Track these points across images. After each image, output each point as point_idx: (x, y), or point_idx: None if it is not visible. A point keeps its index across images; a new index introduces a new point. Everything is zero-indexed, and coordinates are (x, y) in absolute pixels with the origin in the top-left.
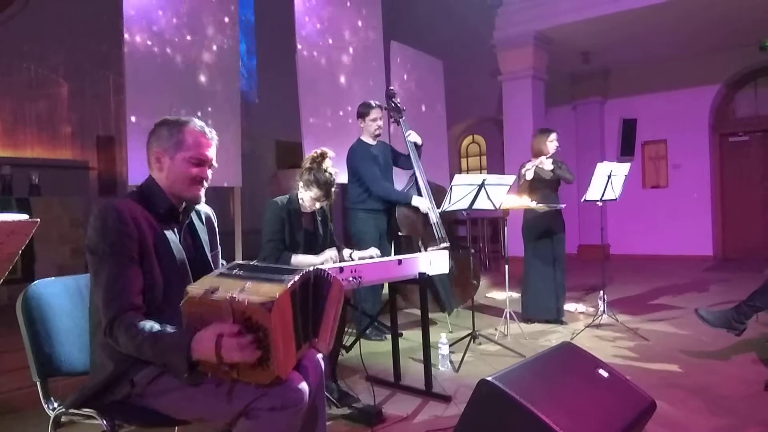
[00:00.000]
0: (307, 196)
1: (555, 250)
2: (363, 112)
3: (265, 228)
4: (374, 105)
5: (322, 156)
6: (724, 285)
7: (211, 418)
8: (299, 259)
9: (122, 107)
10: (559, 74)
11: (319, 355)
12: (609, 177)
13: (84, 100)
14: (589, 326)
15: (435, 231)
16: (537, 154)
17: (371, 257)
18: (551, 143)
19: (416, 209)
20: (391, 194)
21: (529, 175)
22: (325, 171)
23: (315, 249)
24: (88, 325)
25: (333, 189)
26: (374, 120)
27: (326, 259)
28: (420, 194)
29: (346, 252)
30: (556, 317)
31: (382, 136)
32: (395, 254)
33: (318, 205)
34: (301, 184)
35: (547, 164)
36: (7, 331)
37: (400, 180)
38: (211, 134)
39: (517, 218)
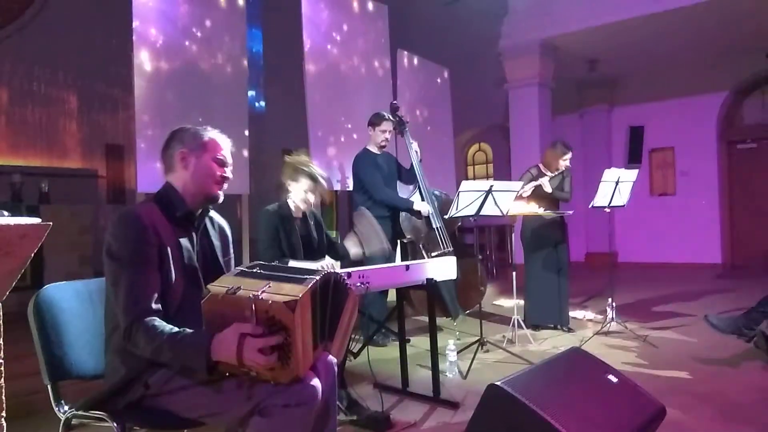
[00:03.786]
0: (298, 193)
1: (559, 257)
2: (375, 121)
3: (261, 237)
4: (387, 117)
5: (301, 156)
6: (733, 292)
7: (225, 415)
8: (297, 266)
9: (131, 118)
10: (565, 82)
11: (332, 358)
12: (617, 183)
13: (93, 110)
14: (597, 333)
15: (438, 236)
16: (547, 165)
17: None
18: (564, 162)
19: (419, 214)
20: (394, 200)
21: (526, 194)
22: (309, 165)
23: (312, 253)
24: (104, 330)
25: (321, 178)
26: (383, 131)
27: (325, 265)
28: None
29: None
30: (561, 323)
31: (389, 150)
32: (400, 260)
33: (311, 199)
34: (289, 182)
35: (546, 186)
36: (17, 337)
37: (403, 192)
38: (227, 139)
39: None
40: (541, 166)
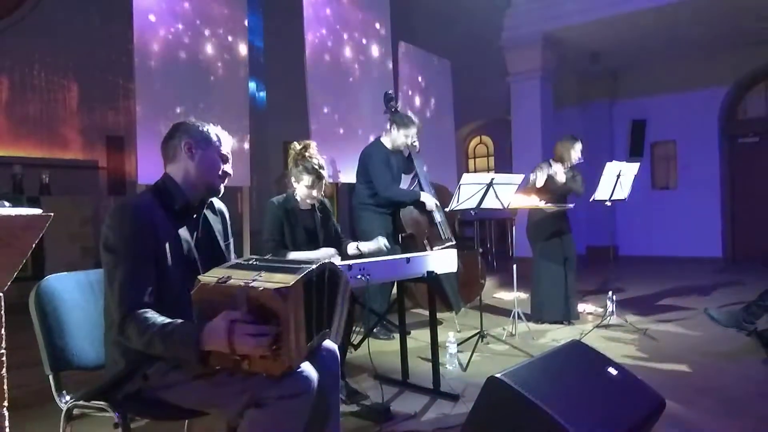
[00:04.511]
0: (301, 189)
1: (565, 250)
2: (399, 122)
3: (264, 229)
4: (416, 124)
5: (305, 147)
6: (733, 286)
7: (222, 408)
8: (296, 257)
9: (131, 109)
10: (567, 75)
11: (334, 346)
12: (618, 177)
13: (93, 101)
14: (597, 326)
15: (440, 230)
16: (559, 158)
17: (378, 248)
18: (575, 153)
19: (421, 209)
20: (400, 196)
21: (539, 183)
22: (311, 158)
23: (316, 246)
24: (103, 322)
25: (324, 172)
26: (406, 136)
27: (324, 255)
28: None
29: (352, 245)
30: (568, 318)
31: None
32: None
33: (315, 194)
34: (293, 179)
35: (560, 176)
36: (17, 328)
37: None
38: (229, 137)
39: (524, 219)
40: (552, 162)
